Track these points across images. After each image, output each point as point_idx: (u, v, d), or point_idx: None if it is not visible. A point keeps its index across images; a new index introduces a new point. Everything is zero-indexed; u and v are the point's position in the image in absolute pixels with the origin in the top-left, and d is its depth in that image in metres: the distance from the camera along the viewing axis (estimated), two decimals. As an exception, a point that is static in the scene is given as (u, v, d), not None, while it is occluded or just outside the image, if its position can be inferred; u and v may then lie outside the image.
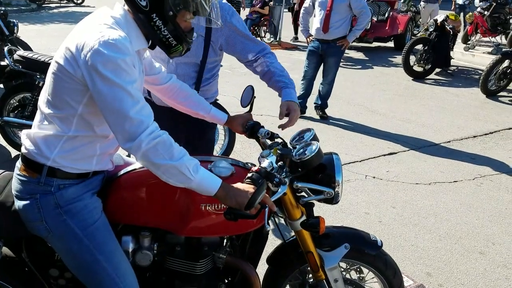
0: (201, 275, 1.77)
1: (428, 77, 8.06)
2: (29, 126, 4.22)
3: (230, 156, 4.06)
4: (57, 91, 1.46)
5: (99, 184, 1.66)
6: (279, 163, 1.70)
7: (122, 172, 1.73)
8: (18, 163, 1.60)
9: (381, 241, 1.94)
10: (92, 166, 1.59)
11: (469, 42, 9.92)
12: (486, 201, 3.78)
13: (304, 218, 1.78)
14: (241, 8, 11.48)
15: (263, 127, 1.98)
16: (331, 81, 5.67)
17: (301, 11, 5.71)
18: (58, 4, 18.58)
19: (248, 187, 1.51)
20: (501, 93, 7.08)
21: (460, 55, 9.60)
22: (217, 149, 4.13)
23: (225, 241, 1.84)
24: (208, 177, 1.49)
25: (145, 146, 1.39)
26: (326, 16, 5.33)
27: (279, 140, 1.89)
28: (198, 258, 1.75)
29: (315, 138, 1.83)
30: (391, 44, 10.96)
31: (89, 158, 1.57)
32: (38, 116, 1.56)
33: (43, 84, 3.92)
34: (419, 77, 7.98)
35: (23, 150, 1.57)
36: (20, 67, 3.95)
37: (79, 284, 1.66)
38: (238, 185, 1.52)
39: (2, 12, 5.84)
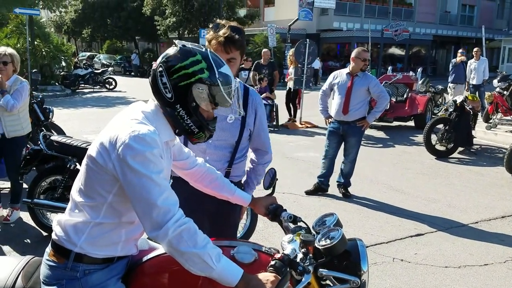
0: None
1: (451, 156, 8.04)
2: (58, 208, 4.33)
3: (252, 236, 4.05)
4: (89, 181, 1.55)
5: (124, 268, 1.69)
6: (303, 250, 1.67)
7: (146, 257, 1.75)
8: (48, 249, 1.65)
9: None
10: (117, 251, 1.63)
11: (490, 121, 9.96)
12: (520, 285, 3.61)
13: None
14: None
15: (285, 210, 1.99)
16: (353, 160, 5.73)
17: (320, 93, 5.90)
18: (92, 90, 19.68)
19: (270, 277, 1.50)
20: (528, 173, 6.97)
21: (482, 134, 9.61)
22: (240, 228, 4.13)
23: None
24: (230, 267, 1.49)
25: (171, 234, 1.44)
26: (346, 99, 5.50)
27: (302, 224, 1.88)
28: None
29: (338, 223, 1.82)
30: (411, 123, 11.08)
31: (114, 244, 1.61)
32: (70, 204, 1.64)
33: (74, 167, 4.12)
34: (442, 156, 7.96)
35: (53, 236, 1.63)
36: (53, 151, 4.16)
37: None
38: (260, 274, 1.52)
39: (39, 99, 6.23)
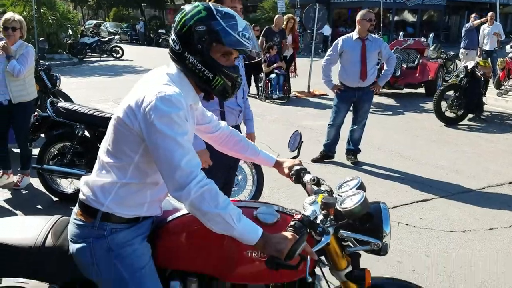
0: None
1: (461, 122, 7.96)
2: (68, 174, 4.41)
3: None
4: (116, 142, 1.59)
5: (149, 228, 1.73)
6: (323, 212, 1.68)
7: (170, 218, 1.79)
8: (75, 208, 1.69)
9: None
10: (142, 212, 1.67)
11: (502, 88, 9.80)
12: (525, 250, 3.63)
13: (350, 268, 1.75)
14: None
15: (309, 172, 2.00)
16: (364, 126, 5.72)
17: (323, 62, 5.71)
18: (99, 58, 19.61)
19: (288, 235, 1.53)
20: (538, 139, 6.90)
21: (493, 101, 9.48)
22: (246, 194, 4.17)
23: None
24: (249, 227, 1.53)
25: (193, 195, 1.47)
26: (363, 65, 5.41)
27: (325, 187, 1.89)
28: None
29: (361, 186, 1.81)
30: (422, 90, 10.94)
31: (140, 205, 1.66)
32: (97, 164, 1.68)
33: (82, 134, 4.16)
34: (451, 122, 7.89)
35: (80, 196, 1.67)
36: (61, 117, 4.19)
37: None
38: (280, 234, 1.55)
39: (46, 66, 6.23)
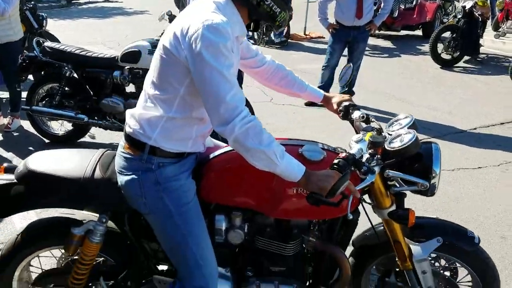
0: (290, 257, 1.81)
1: (456, 65, 7.87)
2: (57, 115, 4.39)
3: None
4: (162, 73, 1.55)
5: (193, 164, 1.74)
6: (370, 151, 1.66)
7: (215, 153, 1.79)
8: (122, 142, 1.70)
9: (478, 237, 1.86)
10: (187, 147, 1.67)
11: (499, 30, 9.60)
12: (511, 187, 3.69)
13: (393, 207, 1.76)
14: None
15: (359, 109, 1.93)
16: (358, 67, 5.61)
17: None
18: (88, 0, 18.98)
19: (331, 173, 1.51)
20: (533, 81, 6.85)
21: (490, 43, 9.31)
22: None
23: (313, 225, 1.84)
24: (292, 164, 1.53)
25: (238, 130, 1.45)
26: (359, 2, 5.24)
27: (374, 125, 1.83)
28: (289, 239, 1.78)
29: (414, 125, 1.76)
30: (419, 32, 10.71)
31: (185, 140, 1.65)
32: (142, 97, 1.65)
33: (70, 74, 4.09)
34: (447, 65, 7.80)
35: (127, 129, 1.67)
36: (48, 57, 4.09)
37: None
38: (323, 171, 1.54)
39: (31, 6, 6.02)
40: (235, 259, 1.87)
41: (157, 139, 1.60)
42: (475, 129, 5.02)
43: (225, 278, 1.81)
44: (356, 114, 1.88)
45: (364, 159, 1.62)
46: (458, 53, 7.77)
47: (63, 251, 1.95)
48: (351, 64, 2.08)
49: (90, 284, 1.95)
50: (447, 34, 7.88)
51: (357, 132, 1.85)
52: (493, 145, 4.54)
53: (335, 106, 1.98)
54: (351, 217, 1.58)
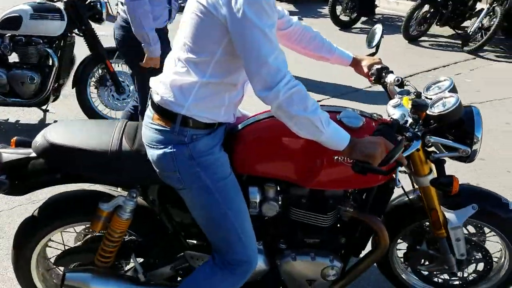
0: (325, 228, 1.76)
1: (354, 26, 8.11)
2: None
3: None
4: (198, 34, 1.42)
5: (223, 135, 1.64)
6: (414, 116, 1.60)
7: (245, 123, 1.69)
8: (150, 112, 1.58)
9: None
10: (220, 116, 1.56)
11: (394, -10, 10.03)
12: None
13: (431, 175, 1.73)
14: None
15: (392, 72, 1.84)
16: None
17: None
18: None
19: (379, 140, 1.44)
20: (422, 38, 7.26)
21: (385, 4, 9.70)
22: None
23: (348, 194, 1.79)
24: (338, 132, 1.45)
25: (282, 96, 1.36)
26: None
27: (410, 88, 1.76)
28: (326, 210, 1.72)
29: (454, 89, 1.70)
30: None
31: (218, 108, 1.54)
32: (171, 62, 1.53)
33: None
34: (346, 26, 8.02)
35: (155, 98, 1.54)
36: None
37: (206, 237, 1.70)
38: (367, 138, 1.47)
39: None
40: (267, 231, 1.81)
41: (190, 108, 1.49)
42: (369, 87, 5.21)
43: (258, 252, 1.73)
44: (390, 78, 1.80)
45: (407, 125, 1.56)
46: (356, 14, 8.00)
47: (82, 227, 1.86)
48: (381, 25, 2.00)
49: (116, 263, 1.87)
50: (345, -4, 8.07)
51: (390, 97, 1.79)
52: (386, 101, 4.73)
53: (365, 70, 1.89)
54: (400, 185, 1.56)
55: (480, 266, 2.06)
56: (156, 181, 1.62)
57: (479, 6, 7.07)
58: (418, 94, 1.71)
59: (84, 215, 1.76)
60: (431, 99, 1.66)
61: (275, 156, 1.66)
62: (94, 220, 1.71)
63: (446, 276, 2.14)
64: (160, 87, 1.54)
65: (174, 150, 1.51)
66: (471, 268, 2.06)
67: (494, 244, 2.04)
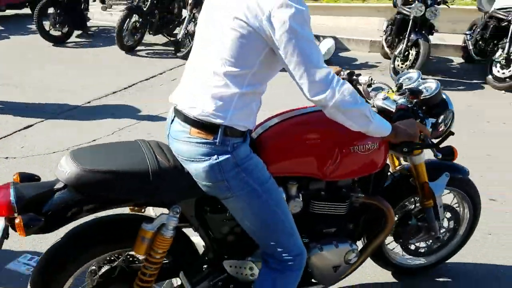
0: (342, 216, 1.90)
1: (69, 40, 7.78)
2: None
3: None
4: (238, 49, 1.46)
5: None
6: (414, 100, 1.89)
7: (262, 129, 1.79)
8: (182, 127, 1.56)
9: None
10: (250, 124, 1.61)
11: (105, 2, 10.03)
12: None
13: (422, 154, 2.04)
14: None
15: (360, 74, 2.03)
16: None
17: None
18: None
19: (413, 121, 1.74)
20: (139, 47, 7.44)
21: (99, 15, 9.63)
22: None
23: (354, 182, 1.93)
24: (381, 119, 1.65)
25: (338, 94, 1.46)
26: None
27: (381, 86, 2.04)
28: (344, 199, 1.86)
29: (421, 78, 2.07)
30: (27, 10, 10.03)
31: (250, 116, 1.60)
32: (206, 75, 1.52)
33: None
34: (59, 41, 7.61)
35: (194, 112, 1.53)
36: None
37: (244, 244, 1.77)
38: (403, 121, 1.74)
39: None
40: None
41: (231, 118, 1.52)
42: (89, 102, 5.07)
43: None
44: (362, 80, 2.00)
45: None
46: (67, 28, 7.66)
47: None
48: (333, 38, 2.18)
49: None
50: (51, 10, 7.61)
51: (364, 96, 1.98)
52: (107, 115, 4.69)
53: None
54: (440, 155, 1.93)
55: (451, 224, 2.40)
56: (196, 195, 1.64)
57: (184, 13, 7.65)
58: (400, 85, 2.00)
59: (121, 241, 1.68)
60: (407, 88, 1.96)
61: (299, 155, 1.75)
62: (137, 243, 1.62)
63: (428, 243, 2.41)
64: (197, 101, 1.54)
65: (220, 160, 1.53)
66: (445, 228, 2.39)
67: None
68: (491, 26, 6.28)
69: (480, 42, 6.47)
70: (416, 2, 5.94)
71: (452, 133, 1.95)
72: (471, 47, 6.57)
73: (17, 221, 1.39)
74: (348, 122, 1.57)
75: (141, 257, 1.74)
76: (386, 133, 1.66)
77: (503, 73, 5.83)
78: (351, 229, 2.02)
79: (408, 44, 5.93)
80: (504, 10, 6.11)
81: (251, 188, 1.58)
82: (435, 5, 5.97)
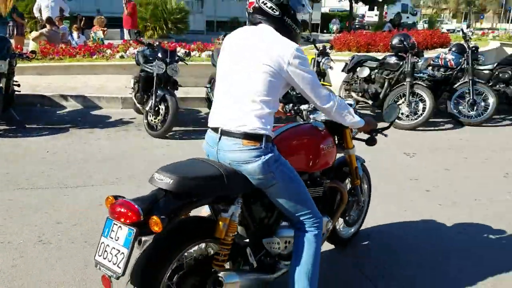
0: (321, 197, 2.69)
1: None
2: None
3: None
4: (268, 86, 2.18)
5: None
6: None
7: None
8: (233, 141, 2.17)
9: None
10: (271, 133, 2.25)
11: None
12: None
13: (354, 148, 2.98)
14: None
15: (300, 104, 2.89)
16: None
17: None
18: None
19: (370, 118, 2.72)
20: None
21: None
22: None
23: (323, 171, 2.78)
24: (358, 117, 2.53)
25: (336, 102, 2.34)
26: None
27: (306, 107, 2.86)
28: (321, 185, 2.70)
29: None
30: None
31: (271, 127, 2.25)
32: (245, 102, 2.18)
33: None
34: None
35: (243, 129, 2.16)
36: None
37: (273, 224, 2.48)
38: (365, 117, 2.64)
39: None
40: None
41: (269, 129, 2.20)
42: None
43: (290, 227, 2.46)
44: (304, 107, 2.84)
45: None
46: None
47: None
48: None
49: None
50: None
51: (304, 119, 2.86)
52: None
53: (281, 109, 2.89)
54: (387, 135, 3.06)
55: (363, 196, 3.34)
56: (248, 188, 2.23)
57: None
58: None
59: (204, 234, 2.17)
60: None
61: (296, 155, 2.50)
62: (218, 228, 2.13)
63: (355, 213, 3.26)
64: (245, 121, 2.17)
65: (267, 158, 2.17)
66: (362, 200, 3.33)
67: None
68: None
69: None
70: (156, 60, 6.28)
71: (392, 124, 2.99)
72: (212, 98, 7.29)
73: (154, 219, 1.80)
74: (342, 119, 2.45)
75: (211, 250, 2.26)
76: (361, 124, 2.56)
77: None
78: (324, 206, 2.71)
79: (157, 99, 6.21)
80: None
81: (287, 175, 2.26)
82: (174, 63, 6.42)
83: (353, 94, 8.09)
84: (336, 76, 8.39)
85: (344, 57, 9.67)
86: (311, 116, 2.80)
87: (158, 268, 1.96)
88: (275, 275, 2.45)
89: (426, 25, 31.18)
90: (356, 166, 3.03)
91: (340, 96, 7.97)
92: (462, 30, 8.51)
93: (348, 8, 37.57)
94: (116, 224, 1.85)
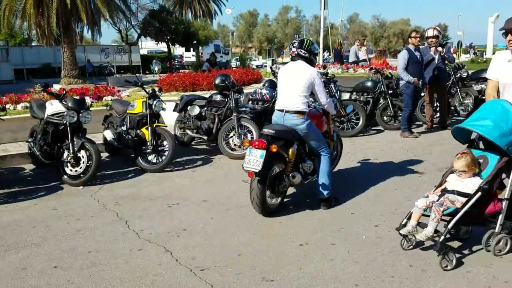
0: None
1: None
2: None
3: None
4: (305, 87, 4.96)
5: None
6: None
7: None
8: (292, 116, 4.97)
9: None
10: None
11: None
12: None
13: (331, 124, 5.97)
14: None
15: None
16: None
17: None
18: None
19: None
20: None
21: None
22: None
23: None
24: (334, 110, 5.61)
25: (330, 101, 5.25)
26: None
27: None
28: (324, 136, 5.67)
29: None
30: None
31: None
32: (295, 95, 4.96)
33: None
34: None
35: (292, 109, 4.97)
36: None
37: (304, 154, 5.37)
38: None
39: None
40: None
41: (307, 109, 4.98)
42: None
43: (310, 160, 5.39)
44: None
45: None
46: None
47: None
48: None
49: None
50: None
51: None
52: None
53: None
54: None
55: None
56: (299, 136, 5.05)
57: None
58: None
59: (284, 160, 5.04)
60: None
61: (315, 122, 5.28)
62: (291, 153, 4.95)
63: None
64: (297, 105, 4.95)
65: (307, 123, 4.99)
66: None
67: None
68: (50, 131, 6.62)
69: (45, 147, 6.68)
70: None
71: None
72: (38, 153, 6.70)
73: (273, 146, 4.72)
74: (331, 110, 5.35)
75: (283, 165, 5.08)
76: (335, 113, 5.62)
77: (76, 171, 6.31)
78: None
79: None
80: (57, 115, 6.56)
81: (314, 130, 5.12)
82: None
83: (188, 131, 8.37)
84: (169, 116, 8.58)
85: (172, 97, 9.95)
86: (315, 105, 5.57)
87: (268, 168, 4.78)
88: (309, 180, 5.29)
89: (238, 63, 33.81)
90: (332, 134, 5.89)
91: (176, 135, 8.32)
92: (271, 67, 9.63)
93: (165, 49, 38.49)
94: (255, 148, 4.65)
